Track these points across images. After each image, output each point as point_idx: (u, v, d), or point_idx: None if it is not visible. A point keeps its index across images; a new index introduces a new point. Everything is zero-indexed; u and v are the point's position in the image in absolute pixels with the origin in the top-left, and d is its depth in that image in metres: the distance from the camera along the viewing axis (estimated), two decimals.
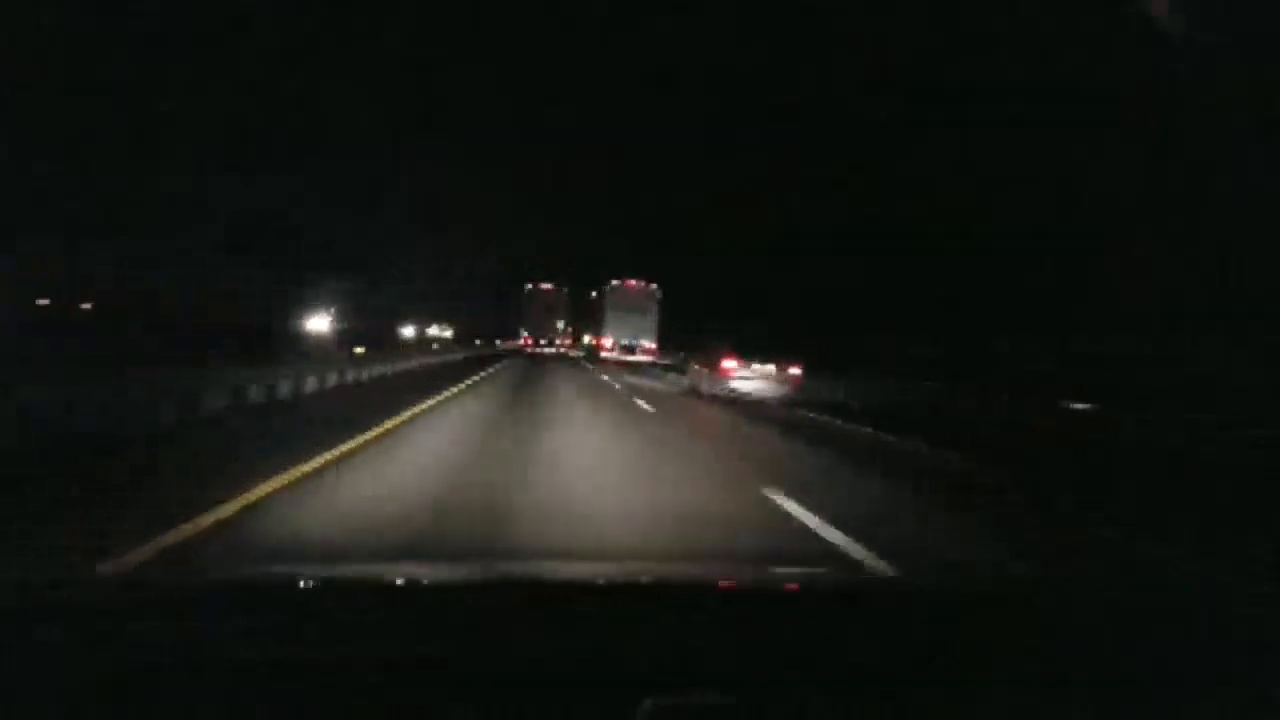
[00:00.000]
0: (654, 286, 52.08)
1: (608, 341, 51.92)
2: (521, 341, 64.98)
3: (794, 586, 2.19)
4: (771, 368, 17.41)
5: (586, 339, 62.89)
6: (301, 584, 1.90)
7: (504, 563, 3.97)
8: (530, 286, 68.89)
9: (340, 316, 36.29)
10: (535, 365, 32.94)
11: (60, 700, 1.17)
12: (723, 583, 2.31)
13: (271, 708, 1.20)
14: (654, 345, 50.29)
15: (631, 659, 1.39)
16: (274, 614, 1.55)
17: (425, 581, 2.04)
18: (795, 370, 17.65)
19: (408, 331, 58.25)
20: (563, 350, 63.10)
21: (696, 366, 20.34)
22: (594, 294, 61.34)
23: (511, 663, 1.35)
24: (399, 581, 1.99)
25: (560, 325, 67.99)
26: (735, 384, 17.49)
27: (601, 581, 2.24)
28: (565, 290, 69.39)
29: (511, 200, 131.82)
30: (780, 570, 3.35)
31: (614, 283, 52.50)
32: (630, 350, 50.18)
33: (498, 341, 68.80)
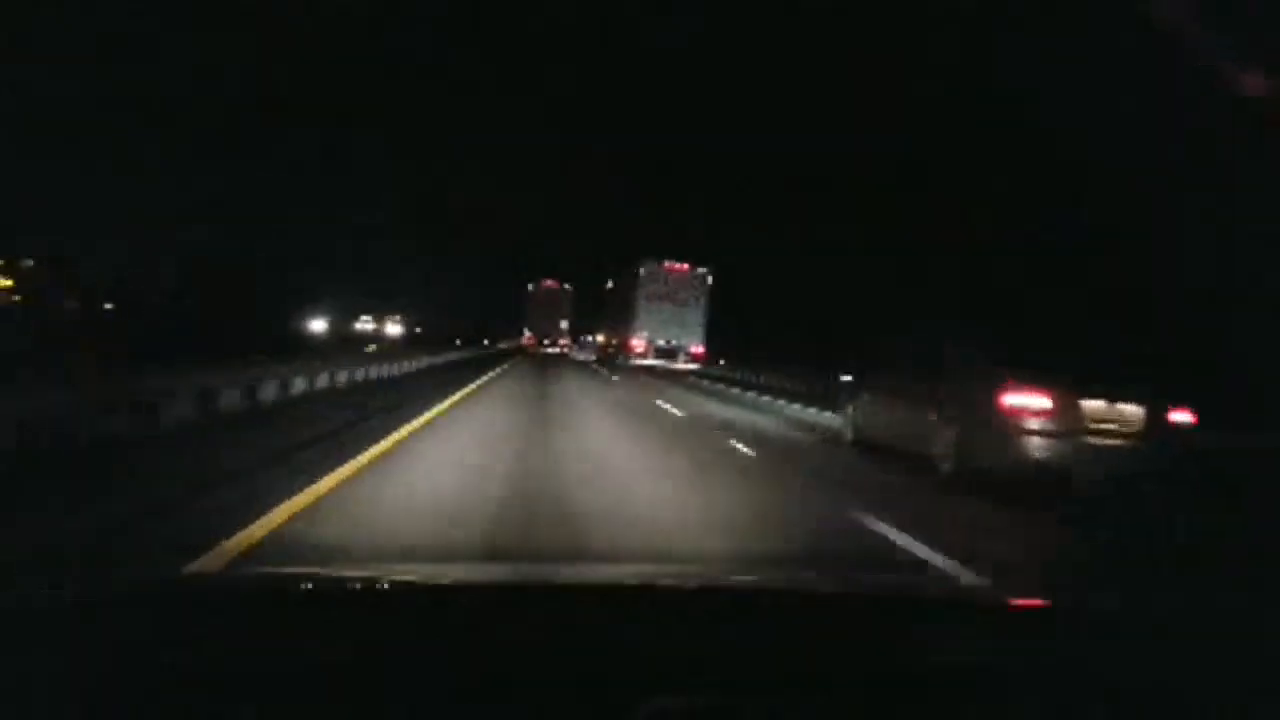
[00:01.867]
0: (702, 270, 36.59)
1: (638, 343, 35.87)
2: (525, 340, 63.74)
3: (795, 587, 2.19)
4: (1135, 408, 8.95)
5: (592, 337, 56.15)
6: (301, 584, 1.90)
7: (504, 563, 3.98)
8: (533, 285, 66.89)
9: (106, 293, 26.20)
10: (541, 381, 22.07)
11: (60, 700, 1.17)
12: (723, 583, 2.31)
13: (270, 709, 1.20)
14: (702, 349, 35.96)
15: (631, 659, 1.39)
16: (274, 614, 1.55)
17: (425, 582, 2.04)
18: (1185, 416, 9.03)
19: (317, 326, 45.98)
20: (562, 349, 60.98)
21: (888, 397, 10.35)
22: (610, 283, 46.95)
23: (511, 663, 1.35)
24: (399, 581, 1.98)
25: (564, 325, 66.10)
26: (1043, 447, 8.06)
27: (602, 582, 2.24)
28: (568, 287, 67.69)
29: (512, 200, 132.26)
30: (781, 571, 3.35)
31: (649, 264, 36.59)
32: (671, 355, 35.07)
33: (449, 343, 48.27)
